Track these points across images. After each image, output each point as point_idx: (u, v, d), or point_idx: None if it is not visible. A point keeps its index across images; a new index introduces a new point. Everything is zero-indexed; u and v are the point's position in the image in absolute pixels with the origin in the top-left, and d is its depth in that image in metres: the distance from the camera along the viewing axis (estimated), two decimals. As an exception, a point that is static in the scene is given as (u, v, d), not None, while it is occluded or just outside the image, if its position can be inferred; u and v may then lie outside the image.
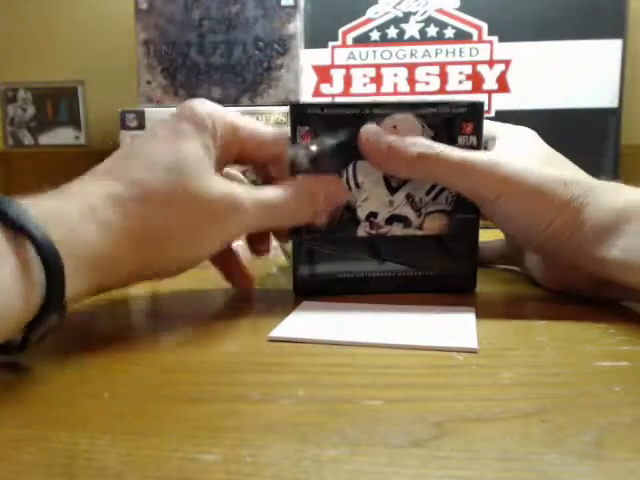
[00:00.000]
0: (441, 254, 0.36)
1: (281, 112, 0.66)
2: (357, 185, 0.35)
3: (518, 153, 0.33)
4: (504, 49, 0.70)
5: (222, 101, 0.70)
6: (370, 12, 0.72)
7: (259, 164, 0.35)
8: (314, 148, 0.34)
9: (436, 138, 0.34)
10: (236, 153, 0.33)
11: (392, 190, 0.35)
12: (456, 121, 0.34)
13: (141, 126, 0.67)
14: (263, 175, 0.36)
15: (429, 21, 0.71)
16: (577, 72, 0.69)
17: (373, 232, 0.35)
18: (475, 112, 0.34)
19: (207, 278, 0.41)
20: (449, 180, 0.33)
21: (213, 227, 0.30)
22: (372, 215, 0.35)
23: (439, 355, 0.26)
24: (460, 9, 0.71)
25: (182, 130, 0.30)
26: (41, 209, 0.24)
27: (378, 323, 0.30)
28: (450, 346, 0.26)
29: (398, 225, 0.35)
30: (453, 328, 0.29)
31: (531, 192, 0.31)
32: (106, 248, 0.26)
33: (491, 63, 0.70)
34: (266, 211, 0.32)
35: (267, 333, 0.28)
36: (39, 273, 0.22)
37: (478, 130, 0.34)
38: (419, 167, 0.32)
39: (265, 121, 0.66)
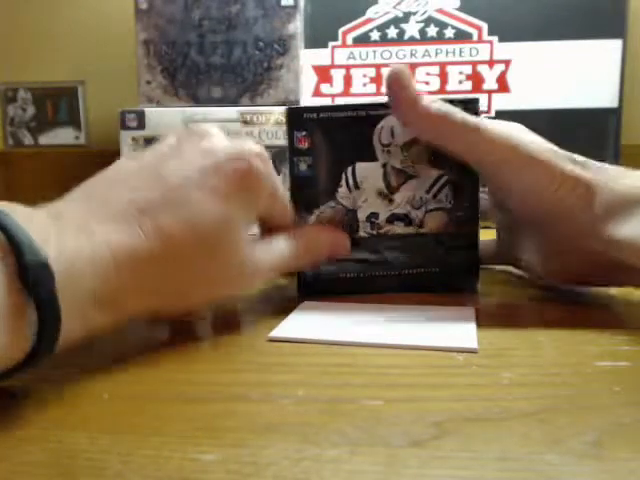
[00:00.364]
0: (442, 251, 0.36)
1: (281, 112, 0.66)
2: (357, 186, 0.35)
3: (521, 130, 0.33)
4: (504, 49, 0.70)
5: (222, 101, 0.70)
6: (370, 12, 0.72)
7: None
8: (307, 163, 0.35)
9: None
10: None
11: (392, 189, 0.35)
12: None
13: (141, 126, 0.67)
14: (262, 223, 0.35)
15: (429, 21, 0.71)
16: (577, 72, 0.69)
17: (374, 232, 0.36)
18: (470, 109, 0.33)
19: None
20: (462, 140, 0.32)
21: (225, 291, 0.30)
22: (373, 215, 0.35)
23: (439, 355, 0.26)
24: (460, 9, 0.70)
25: (233, 189, 0.28)
26: (51, 247, 0.21)
27: (378, 323, 0.30)
28: (450, 346, 0.26)
29: (399, 224, 0.35)
30: (453, 328, 0.29)
31: (539, 158, 0.31)
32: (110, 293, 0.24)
33: (491, 63, 0.70)
34: (276, 272, 0.33)
35: (267, 333, 0.28)
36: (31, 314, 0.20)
37: None
38: (437, 123, 0.32)
39: (265, 121, 0.66)
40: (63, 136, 0.94)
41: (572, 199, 0.31)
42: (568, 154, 0.32)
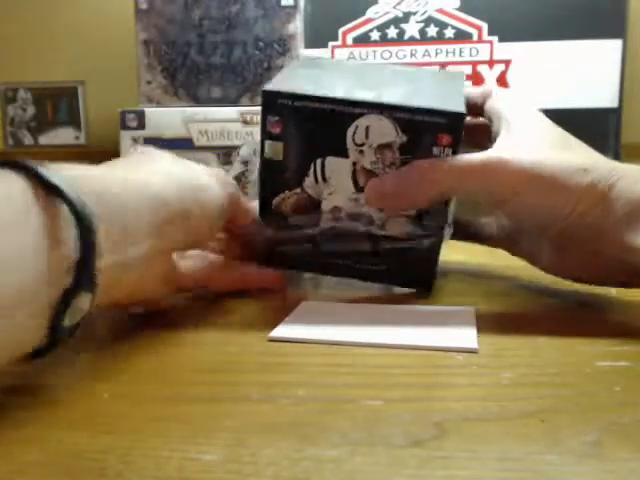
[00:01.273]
0: (399, 258, 0.36)
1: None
2: (324, 179, 0.34)
3: (528, 140, 0.31)
4: (504, 49, 0.70)
5: (222, 101, 0.70)
6: (370, 12, 0.72)
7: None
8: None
9: (408, 145, 0.32)
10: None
11: (359, 189, 0.34)
12: (432, 131, 0.32)
13: (141, 126, 0.67)
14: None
15: (429, 21, 0.71)
16: (577, 72, 0.69)
17: (336, 225, 0.35)
18: (454, 124, 0.32)
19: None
20: (460, 189, 0.31)
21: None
22: (336, 210, 0.35)
23: (439, 355, 0.26)
24: (460, 9, 0.70)
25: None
26: (75, 174, 0.22)
27: (378, 323, 0.30)
28: (450, 346, 0.26)
29: (360, 223, 0.35)
30: (453, 328, 0.29)
31: (549, 184, 0.29)
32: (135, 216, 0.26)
33: (491, 63, 0.70)
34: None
35: (267, 333, 0.28)
36: (70, 232, 0.20)
37: (456, 143, 0.32)
38: (426, 186, 0.31)
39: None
40: (63, 136, 0.94)
41: (589, 211, 0.29)
42: (575, 161, 0.30)
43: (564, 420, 0.19)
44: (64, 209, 0.20)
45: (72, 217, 0.20)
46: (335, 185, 0.34)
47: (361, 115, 0.33)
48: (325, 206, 0.35)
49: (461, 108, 0.32)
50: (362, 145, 0.33)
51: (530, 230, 0.35)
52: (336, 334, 0.28)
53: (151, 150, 0.34)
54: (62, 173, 0.21)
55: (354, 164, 0.34)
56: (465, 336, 0.27)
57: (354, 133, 0.33)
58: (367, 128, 0.33)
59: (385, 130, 0.32)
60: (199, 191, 0.32)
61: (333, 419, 0.20)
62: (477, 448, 0.18)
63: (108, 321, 0.32)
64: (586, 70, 0.69)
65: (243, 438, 0.19)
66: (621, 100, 0.68)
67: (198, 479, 0.16)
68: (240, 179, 0.64)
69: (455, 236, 0.41)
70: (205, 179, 0.33)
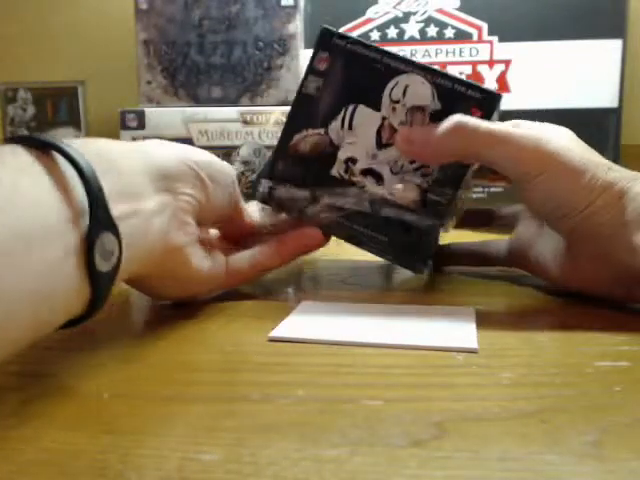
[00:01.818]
0: (399, 225, 0.35)
1: (281, 112, 0.66)
2: (350, 127, 0.35)
3: (560, 136, 0.32)
4: (504, 49, 0.70)
5: (222, 101, 0.70)
6: (370, 12, 0.72)
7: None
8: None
9: (440, 113, 0.33)
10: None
11: (380, 145, 0.35)
12: (467, 103, 0.33)
13: (141, 126, 0.67)
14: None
15: (429, 21, 0.71)
16: (577, 72, 0.69)
17: (345, 176, 0.35)
18: (489, 102, 0.33)
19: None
20: (490, 153, 0.31)
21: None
22: (351, 160, 0.35)
23: (439, 355, 0.26)
24: (460, 9, 0.70)
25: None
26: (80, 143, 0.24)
27: (378, 323, 0.30)
28: (450, 346, 0.26)
29: (371, 180, 0.35)
30: (453, 328, 0.29)
31: (575, 170, 0.30)
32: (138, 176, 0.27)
33: (491, 63, 0.70)
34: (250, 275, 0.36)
35: (267, 333, 0.28)
36: (74, 181, 0.22)
37: (487, 120, 0.32)
38: (459, 139, 0.32)
39: (265, 121, 0.66)
40: (63, 136, 0.94)
41: (606, 208, 0.30)
42: (601, 160, 0.31)
43: (564, 420, 0.19)
44: (67, 165, 0.22)
45: (74, 170, 0.22)
46: (359, 135, 0.35)
47: (405, 73, 0.34)
48: (342, 154, 0.35)
49: (496, 88, 0.34)
50: (397, 102, 0.34)
51: (541, 228, 0.35)
52: (336, 334, 0.28)
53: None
54: (60, 139, 0.23)
55: (383, 119, 0.34)
56: (465, 336, 0.27)
57: (392, 88, 0.34)
58: (406, 87, 0.34)
59: (423, 93, 0.34)
60: (212, 162, 0.33)
61: (333, 419, 0.20)
62: (477, 448, 0.18)
63: (106, 320, 0.32)
64: (586, 70, 0.69)
65: (243, 438, 0.19)
66: (621, 100, 0.68)
67: (198, 479, 0.16)
68: (240, 179, 0.64)
69: (465, 262, 0.42)
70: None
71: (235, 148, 0.65)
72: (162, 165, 0.29)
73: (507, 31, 0.70)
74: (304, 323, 0.30)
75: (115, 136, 0.68)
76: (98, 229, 0.22)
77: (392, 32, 0.72)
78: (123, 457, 0.17)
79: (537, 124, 0.33)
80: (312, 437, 0.19)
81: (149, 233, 0.27)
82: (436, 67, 0.34)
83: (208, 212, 0.33)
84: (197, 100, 0.71)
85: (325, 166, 0.35)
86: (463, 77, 0.34)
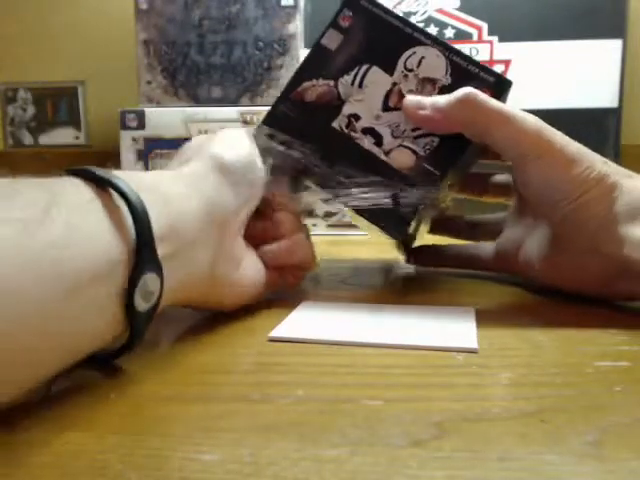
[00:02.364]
0: (385, 187, 0.35)
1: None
2: (360, 85, 0.36)
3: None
4: (504, 49, 0.70)
5: (222, 101, 0.70)
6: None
7: None
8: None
9: (450, 89, 0.34)
10: None
11: (385, 108, 0.35)
12: (478, 84, 0.34)
13: (141, 126, 0.67)
14: None
15: (429, 21, 0.71)
16: (577, 72, 0.69)
17: (345, 131, 0.36)
18: (500, 86, 0.34)
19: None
20: (494, 129, 0.32)
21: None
22: (354, 116, 0.36)
23: (439, 355, 0.26)
24: (460, 9, 0.70)
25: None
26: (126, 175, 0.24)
27: (378, 323, 0.30)
28: (450, 346, 0.26)
29: (370, 140, 0.36)
30: (453, 328, 0.29)
31: (572, 158, 0.31)
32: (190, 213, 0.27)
33: (491, 63, 0.70)
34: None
35: (267, 333, 0.28)
36: (127, 220, 0.23)
37: None
38: (468, 110, 0.32)
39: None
40: (63, 136, 0.94)
41: (598, 199, 0.30)
42: (598, 155, 0.32)
43: (564, 420, 0.19)
44: (121, 202, 0.23)
45: (127, 207, 0.23)
46: (367, 94, 0.36)
47: (423, 44, 0.35)
48: (346, 109, 0.36)
49: (510, 78, 0.36)
50: (410, 71, 0.35)
51: (531, 212, 0.36)
52: (336, 334, 0.28)
53: (199, 137, 0.35)
54: (114, 174, 0.24)
55: (394, 84, 0.36)
56: (465, 336, 0.27)
57: (409, 57, 0.35)
58: (422, 58, 0.35)
59: (437, 66, 0.35)
60: (250, 168, 0.33)
61: (333, 419, 0.20)
62: (477, 448, 0.18)
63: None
64: (586, 70, 0.69)
65: (243, 438, 0.19)
66: (621, 100, 0.68)
67: (198, 479, 0.16)
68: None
69: (451, 263, 0.42)
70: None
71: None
72: (211, 198, 0.29)
73: (507, 31, 0.70)
74: (304, 323, 0.30)
75: (115, 136, 0.68)
76: (143, 269, 0.23)
77: (392, 32, 0.72)
78: (123, 457, 0.17)
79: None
80: (312, 437, 0.19)
81: (194, 266, 0.27)
82: (455, 46, 0.35)
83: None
84: (197, 100, 0.71)
85: (327, 117, 0.36)
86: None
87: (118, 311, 0.22)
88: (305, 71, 0.37)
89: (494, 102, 0.32)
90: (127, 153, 0.67)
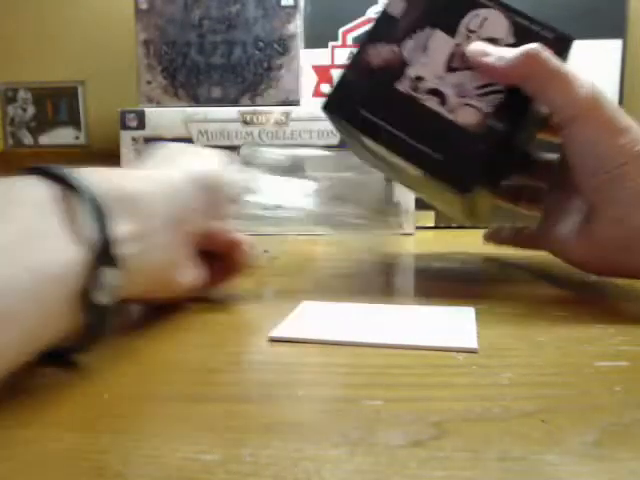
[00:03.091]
0: (456, 145, 0.35)
1: (281, 112, 0.66)
2: (424, 48, 0.36)
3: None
4: (504, 49, 0.70)
5: (222, 101, 0.70)
6: (370, 12, 0.72)
7: None
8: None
9: (513, 47, 0.34)
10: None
11: (450, 69, 0.36)
12: (540, 41, 0.34)
13: (141, 126, 0.67)
14: None
15: (429, 21, 0.71)
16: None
17: (411, 92, 0.36)
18: (561, 43, 0.35)
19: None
20: (551, 86, 0.33)
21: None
22: (419, 78, 0.36)
23: (439, 355, 0.26)
24: (460, 9, 0.70)
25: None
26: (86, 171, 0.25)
27: (378, 323, 0.30)
28: (450, 346, 0.26)
29: (435, 99, 0.36)
30: (453, 328, 0.29)
31: (618, 127, 0.31)
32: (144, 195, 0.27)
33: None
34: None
35: (267, 333, 0.28)
36: (86, 219, 0.23)
37: None
38: (528, 65, 0.33)
39: (265, 121, 0.66)
40: (63, 136, 0.94)
41: (634, 174, 0.31)
42: None
43: (564, 420, 0.19)
44: (80, 201, 0.23)
45: (86, 206, 0.23)
46: (430, 57, 0.36)
47: (486, 7, 0.36)
48: (411, 71, 0.36)
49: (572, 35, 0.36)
50: (473, 32, 0.36)
51: (564, 203, 0.36)
52: (336, 334, 0.28)
53: (171, 146, 0.36)
54: (78, 171, 0.24)
55: (457, 45, 0.36)
56: (465, 336, 0.27)
57: (472, 19, 0.36)
58: (484, 19, 0.36)
59: (500, 27, 0.36)
60: (217, 182, 0.34)
61: (333, 419, 0.20)
62: (477, 448, 0.18)
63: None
64: (586, 70, 0.69)
65: (243, 438, 0.19)
66: (621, 100, 0.68)
67: (198, 479, 0.16)
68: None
69: (524, 244, 0.43)
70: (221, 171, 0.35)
71: (235, 148, 0.65)
72: (175, 196, 0.30)
73: (507, 31, 0.70)
74: (304, 323, 0.30)
75: (115, 136, 0.68)
76: (103, 266, 0.23)
77: (392, 32, 0.72)
78: (123, 457, 0.17)
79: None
80: (312, 437, 0.19)
81: (153, 265, 0.28)
82: (515, 7, 0.36)
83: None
84: (197, 100, 0.71)
85: (392, 79, 0.37)
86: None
87: (77, 308, 0.22)
88: (370, 38, 0.38)
89: (555, 61, 0.33)
90: (127, 153, 0.67)
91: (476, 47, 0.35)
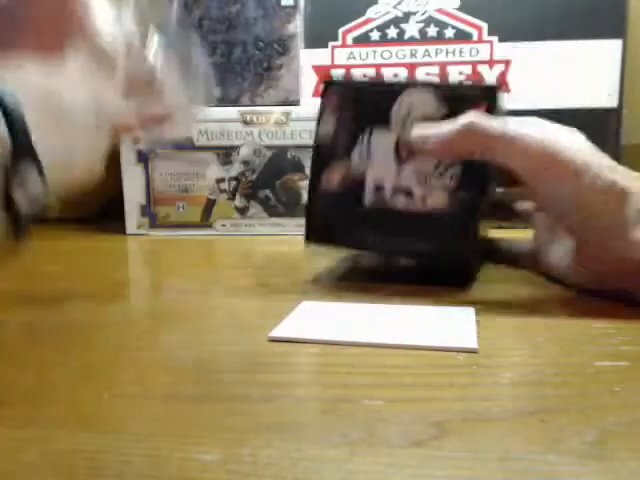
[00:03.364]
0: (441, 231, 0.36)
1: (281, 112, 0.66)
2: (369, 153, 0.37)
3: (566, 136, 0.33)
4: (504, 49, 0.70)
5: (222, 101, 0.70)
6: (370, 12, 0.72)
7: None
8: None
9: (449, 117, 0.35)
10: None
11: (401, 162, 0.37)
12: (470, 102, 0.35)
13: (141, 126, 0.67)
14: None
15: (429, 21, 0.71)
16: (577, 72, 0.69)
17: (378, 201, 0.37)
18: (490, 95, 0.35)
19: (207, 278, 0.41)
20: (498, 152, 0.33)
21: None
22: (379, 182, 0.37)
23: (439, 355, 0.26)
24: (460, 9, 0.70)
25: None
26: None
27: (378, 323, 0.30)
28: (450, 346, 0.26)
29: (402, 195, 0.37)
30: (453, 328, 0.29)
31: (577, 170, 0.31)
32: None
33: (491, 63, 0.70)
34: None
35: (267, 333, 0.28)
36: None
37: (491, 113, 0.34)
38: (468, 141, 0.33)
39: (265, 121, 0.66)
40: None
41: (607, 209, 0.31)
42: (604, 160, 0.32)
43: (564, 420, 0.19)
44: None
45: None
46: (379, 160, 0.37)
47: (405, 91, 0.36)
48: (369, 180, 0.37)
49: (494, 81, 0.36)
50: (406, 118, 0.36)
51: (554, 222, 0.37)
52: (336, 334, 0.28)
53: None
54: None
55: (397, 137, 0.37)
56: (465, 336, 0.27)
57: (399, 108, 0.37)
58: (410, 103, 0.36)
59: (427, 104, 0.36)
60: None
61: (333, 419, 0.20)
62: (477, 448, 0.18)
63: (107, 320, 0.32)
64: (586, 70, 0.69)
65: (243, 438, 0.19)
66: (621, 100, 0.68)
67: (198, 479, 0.16)
68: (240, 179, 0.64)
69: (492, 259, 0.44)
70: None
71: (235, 148, 0.65)
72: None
73: (507, 31, 0.70)
74: (304, 323, 0.30)
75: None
76: (21, 162, 0.23)
77: (392, 32, 0.72)
78: (123, 457, 0.17)
79: (544, 122, 0.34)
80: (312, 437, 0.19)
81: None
82: (432, 78, 0.37)
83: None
84: (197, 100, 0.71)
85: (356, 195, 0.38)
86: (461, 78, 0.37)
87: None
88: (317, 165, 0.39)
89: (494, 125, 0.32)
90: (127, 153, 0.67)
91: (415, 135, 0.35)
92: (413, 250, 0.37)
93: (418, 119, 0.36)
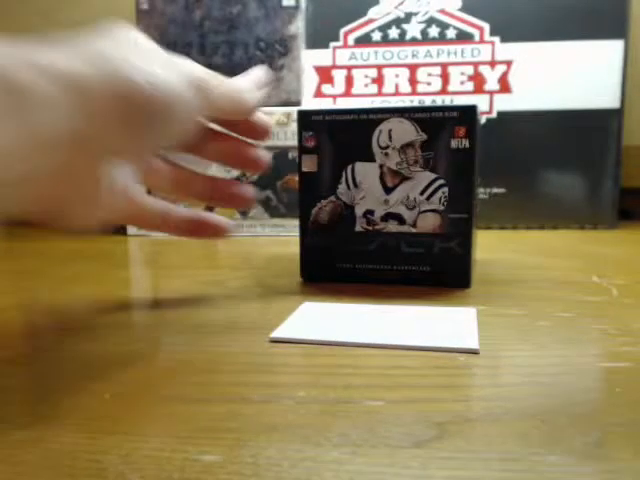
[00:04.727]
0: (434, 252, 0.37)
1: (282, 112, 0.66)
2: (355, 185, 0.38)
3: None
4: (506, 50, 0.70)
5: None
6: (372, 13, 0.72)
7: None
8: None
9: (430, 141, 0.36)
10: None
11: (387, 190, 0.37)
12: (449, 125, 0.36)
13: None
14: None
15: (431, 22, 0.71)
16: (579, 73, 0.69)
17: (370, 228, 0.38)
18: (467, 116, 0.36)
19: (208, 278, 0.41)
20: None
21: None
22: (369, 213, 0.38)
23: (440, 356, 0.26)
24: (462, 10, 0.70)
25: None
26: None
27: (379, 324, 0.30)
28: (451, 347, 0.26)
29: (393, 222, 0.38)
30: (454, 329, 0.29)
31: None
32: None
33: (493, 64, 0.70)
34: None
35: (268, 334, 0.28)
36: None
37: (471, 133, 0.36)
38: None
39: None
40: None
41: None
42: None
43: (564, 420, 0.19)
44: None
45: None
46: (366, 189, 0.38)
47: (383, 120, 0.37)
48: (358, 211, 0.38)
49: (472, 103, 0.37)
50: (387, 148, 0.37)
51: None
52: (337, 335, 0.28)
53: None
54: None
55: (381, 167, 0.37)
56: (466, 337, 0.27)
57: (379, 137, 0.37)
58: (390, 131, 0.37)
59: (407, 130, 0.37)
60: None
61: (334, 420, 0.20)
62: (478, 448, 0.18)
63: (107, 320, 0.32)
64: (588, 71, 0.69)
65: (244, 439, 0.19)
66: (623, 101, 0.68)
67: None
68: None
69: None
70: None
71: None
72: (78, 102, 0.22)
73: (509, 32, 0.70)
74: (305, 324, 0.30)
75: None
76: None
77: (394, 33, 0.72)
78: (124, 458, 0.18)
79: None
80: (313, 438, 0.19)
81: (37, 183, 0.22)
82: (407, 104, 0.38)
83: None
84: (198, 101, 0.71)
85: (348, 226, 0.39)
86: (438, 103, 0.38)
87: None
88: (305, 201, 0.39)
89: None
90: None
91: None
92: (411, 277, 0.38)
93: (400, 147, 0.37)
